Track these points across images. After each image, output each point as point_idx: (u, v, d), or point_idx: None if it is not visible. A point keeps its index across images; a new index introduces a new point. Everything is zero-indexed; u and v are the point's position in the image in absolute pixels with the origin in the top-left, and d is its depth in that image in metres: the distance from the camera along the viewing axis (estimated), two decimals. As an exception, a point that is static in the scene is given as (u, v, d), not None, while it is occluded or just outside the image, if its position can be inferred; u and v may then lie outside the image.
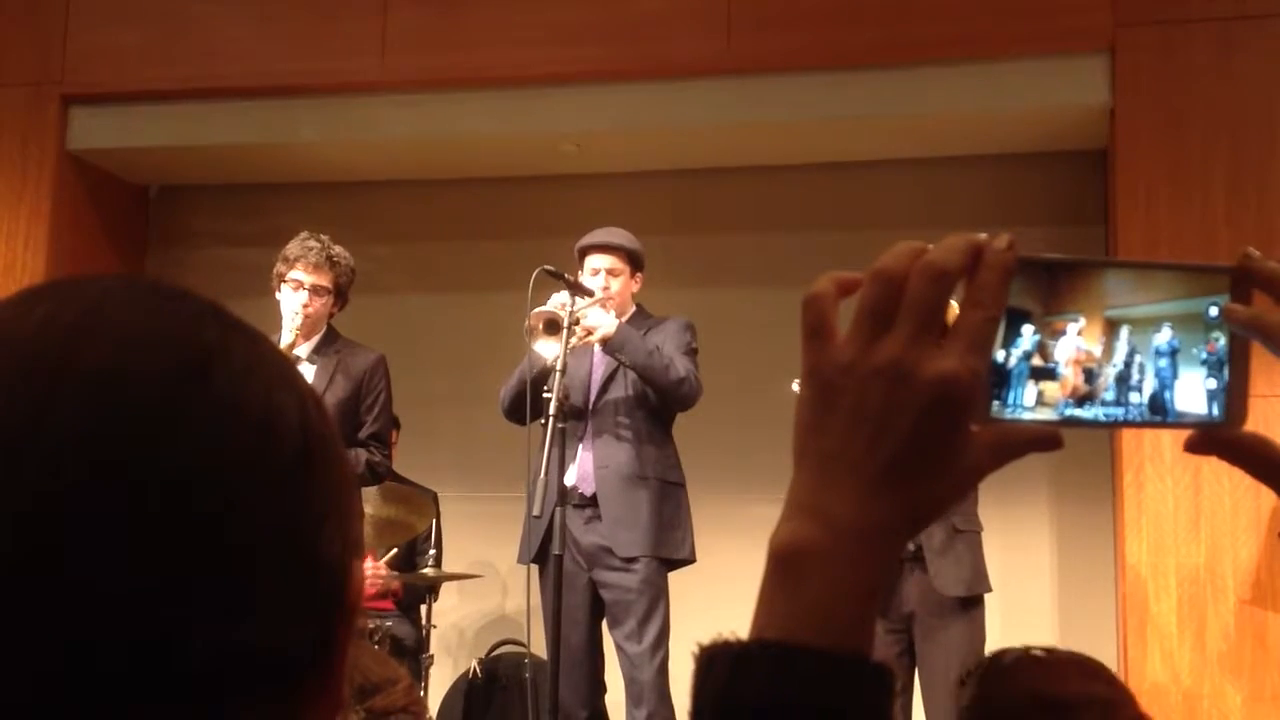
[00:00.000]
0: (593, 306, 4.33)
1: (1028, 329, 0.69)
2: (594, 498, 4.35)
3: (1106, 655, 4.90)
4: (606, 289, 4.43)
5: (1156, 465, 4.72)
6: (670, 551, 4.37)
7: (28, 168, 5.84)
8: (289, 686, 0.58)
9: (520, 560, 4.42)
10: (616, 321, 4.35)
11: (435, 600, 5.19)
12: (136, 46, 5.77)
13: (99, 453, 0.54)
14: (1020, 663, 1.54)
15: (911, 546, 4.10)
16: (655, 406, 4.43)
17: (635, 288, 4.57)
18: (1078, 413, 0.69)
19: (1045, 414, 0.69)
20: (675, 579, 4.42)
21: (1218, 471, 4.48)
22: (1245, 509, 4.66)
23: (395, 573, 5.31)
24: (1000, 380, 0.68)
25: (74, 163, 5.94)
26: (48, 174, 5.82)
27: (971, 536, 4.20)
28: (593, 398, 4.45)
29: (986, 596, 4.24)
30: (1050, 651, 1.57)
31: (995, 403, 0.68)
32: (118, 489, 0.54)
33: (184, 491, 0.54)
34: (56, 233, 5.81)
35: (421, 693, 4.85)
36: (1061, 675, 1.49)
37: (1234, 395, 0.70)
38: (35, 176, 5.83)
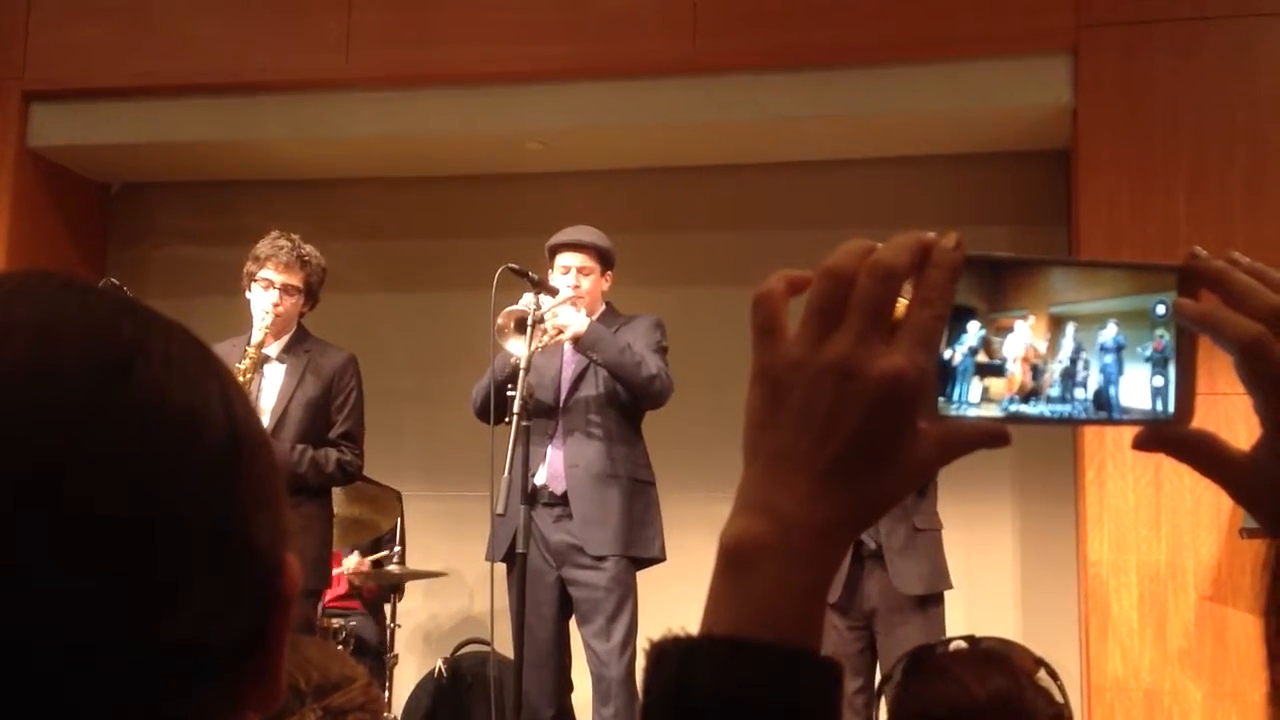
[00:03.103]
0: (564, 305, 4.32)
1: (973, 326, 0.69)
2: (564, 496, 4.35)
3: (1068, 652, 4.94)
4: (577, 287, 4.42)
5: (1118, 462, 4.75)
6: (640, 550, 4.37)
7: (-13, 164, 5.78)
8: (225, 678, 0.57)
9: (488, 558, 4.41)
10: (588, 320, 4.35)
11: (400, 599, 5.18)
12: (99, 42, 5.72)
13: (24, 456, 0.53)
14: (923, 674, 1.55)
15: (873, 545, 4.16)
16: (626, 405, 4.43)
17: (606, 286, 4.56)
18: (1023, 409, 0.70)
19: (990, 410, 0.69)
20: (644, 577, 4.42)
21: (1179, 469, 4.48)
22: (1206, 506, 4.69)
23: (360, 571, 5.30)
24: (946, 377, 0.69)
25: (34, 160, 5.87)
26: (7, 171, 5.76)
27: (932, 535, 4.26)
28: (563, 396, 4.44)
29: (950, 593, 4.28)
30: (953, 651, 1.58)
31: (941, 399, 0.68)
32: (45, 493, 0.52)
33: (112, 493, 0.53)
34: (16, 231, 5.74)
35: (385, 692, 4.83)
36: (963, 681, 1.50)
37: (1181, 392, 0.71)
38: (-6, 173, 5.77)
